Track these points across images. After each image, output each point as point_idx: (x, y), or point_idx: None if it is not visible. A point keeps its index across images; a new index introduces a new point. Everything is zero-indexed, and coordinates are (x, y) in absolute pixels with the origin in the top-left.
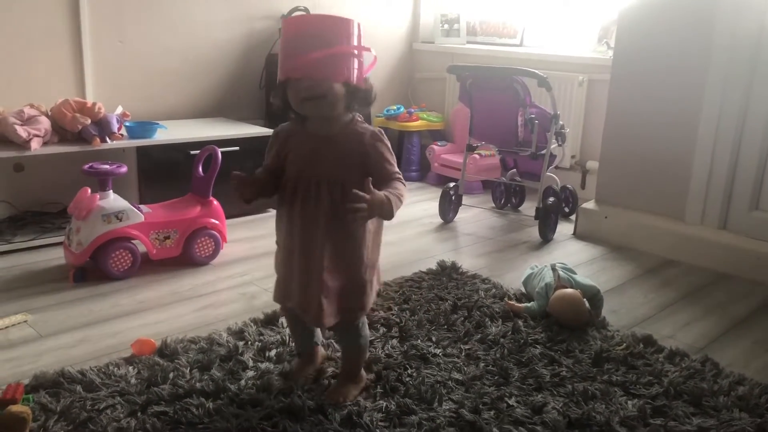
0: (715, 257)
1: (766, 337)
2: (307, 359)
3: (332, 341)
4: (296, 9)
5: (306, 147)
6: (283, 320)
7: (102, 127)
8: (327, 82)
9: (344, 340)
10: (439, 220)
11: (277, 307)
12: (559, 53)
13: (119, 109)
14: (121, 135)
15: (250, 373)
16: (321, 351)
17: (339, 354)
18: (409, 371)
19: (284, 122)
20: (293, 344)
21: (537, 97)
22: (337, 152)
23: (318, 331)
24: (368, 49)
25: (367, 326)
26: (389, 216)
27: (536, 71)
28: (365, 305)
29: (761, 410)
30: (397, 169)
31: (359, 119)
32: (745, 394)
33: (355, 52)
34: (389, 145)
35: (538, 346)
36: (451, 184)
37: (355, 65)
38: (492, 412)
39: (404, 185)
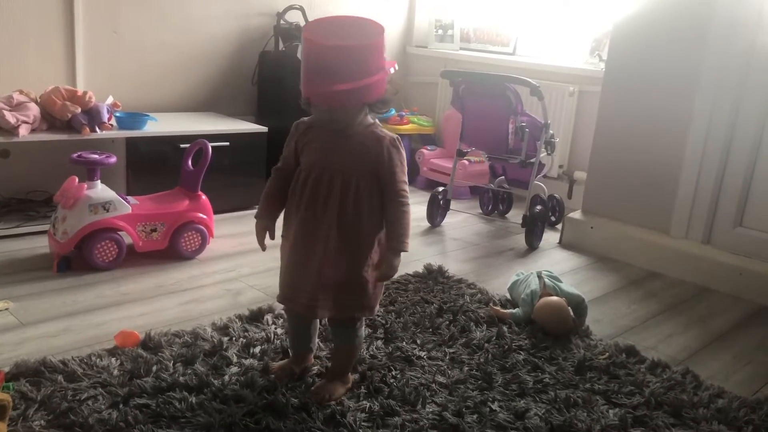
0: (699, 271)
1: (746, 351)
2: (294, 361)
3: (321, 342)
4: (291, 7)
5: (324, 139)
6: (268, 317)
7: (92, 116)
8: (350, 111)
9: (339, 338)
10: (426, 224)
11: (262, 304)
12: (551, 63)
13: (110, 99)
14: (111, 125)
15: (234, 369)
16: (311, 359)
17: (328, 353)
18: (394, 373)
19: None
20: (288, 342)
21: (528, 106)
22: (355, 149)
23: (315, 335)
24: (393, 64)
25: (363, 329)
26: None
27: (529, 79)
28: (368, 305)
29: (740, 423)
30: (404, 179)
31: (379, 124)
32: (725, 407)
33: (381, 73)
34: (404, 154)
35: (521, 352)
36: (440, 189)
37: (378, 83)
38: (475, 416)
39: (407, 199)
